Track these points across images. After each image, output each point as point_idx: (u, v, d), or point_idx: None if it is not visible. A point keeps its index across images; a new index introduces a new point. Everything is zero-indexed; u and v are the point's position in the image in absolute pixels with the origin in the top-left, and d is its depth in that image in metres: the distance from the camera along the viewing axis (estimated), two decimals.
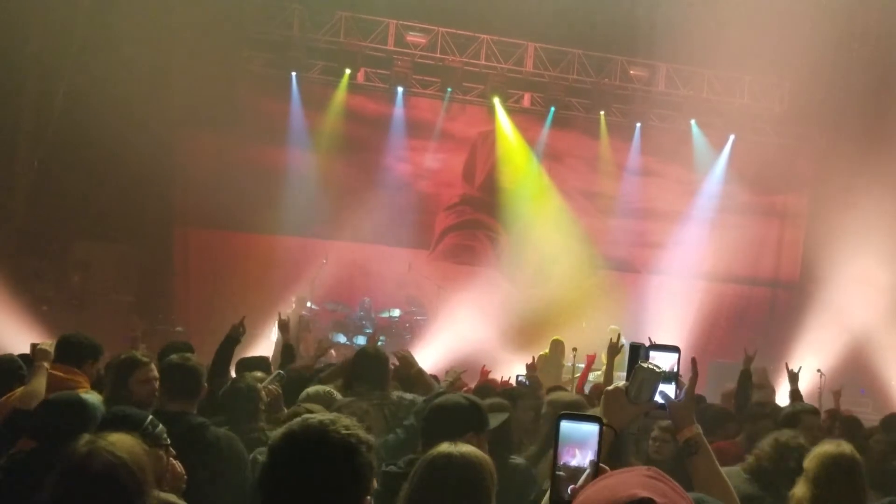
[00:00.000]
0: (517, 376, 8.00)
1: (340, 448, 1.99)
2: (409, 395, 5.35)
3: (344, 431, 2.00)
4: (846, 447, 3.49)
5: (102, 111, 11.54)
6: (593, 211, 16.12)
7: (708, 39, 13.38)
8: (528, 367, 8.11)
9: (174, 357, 4.56)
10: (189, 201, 14.05)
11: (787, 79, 15.58)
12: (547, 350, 11.45)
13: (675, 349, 2.41)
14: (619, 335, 7.69)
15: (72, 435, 2.42)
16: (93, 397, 3.86)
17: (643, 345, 2.41)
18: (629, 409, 2.38)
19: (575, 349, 11.00)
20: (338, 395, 4.94)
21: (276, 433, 2.07)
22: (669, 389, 2.42)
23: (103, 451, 2.27)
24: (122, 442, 2.34)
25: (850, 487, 3.41)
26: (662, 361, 2.39)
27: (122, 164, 12.23)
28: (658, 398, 2.40)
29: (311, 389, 4.89)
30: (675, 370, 2.42)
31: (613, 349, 7.39)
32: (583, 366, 9.86)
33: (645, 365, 2.34)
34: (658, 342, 2.45)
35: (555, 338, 11.72)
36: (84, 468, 2.25)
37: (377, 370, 5.31)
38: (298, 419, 2.06)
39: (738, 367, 11.39)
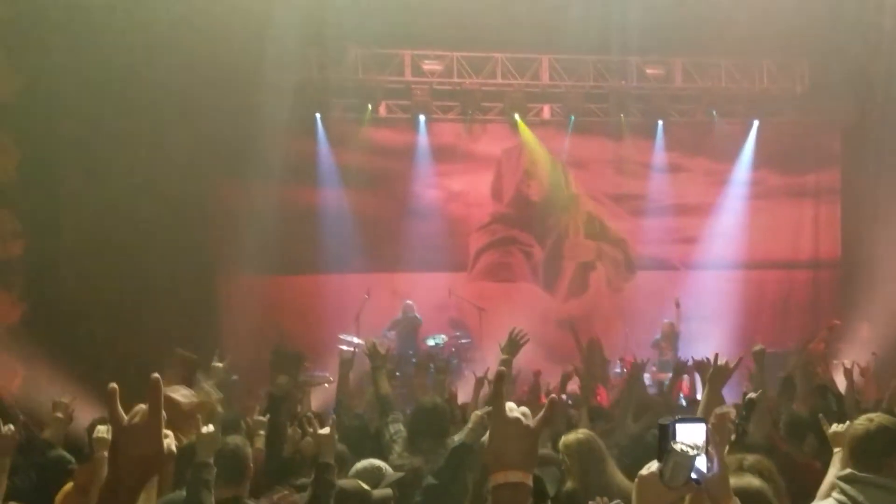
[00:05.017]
0: (561, 395, 7.85)
1: None
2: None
3: None
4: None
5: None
6: (623, 213, 16.11)
7: (719, 28, 13.40)
8: (566, 375, 8.04)
9: None
10: (225, 249, 13.90)
11: (805, 57, 15.48)
12: None
13: (701, 420, 2.39)
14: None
15: None
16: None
17: (671, 423, 2.35)
18: (665, 494, 2.29)
19: (621, 359, 10.93)
20: (387, 468, 4.83)
21: None
22: (701, 463, 2.32)
23: None
24: None
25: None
26: (690, 434, 2.34)
27: (159, 209, 12.55)
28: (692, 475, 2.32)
29: (360, 465, 4.73)
30: (705, 441, 2.35)
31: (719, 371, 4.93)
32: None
33: (678, 448, 2.27)
34: (685, 416, 2.41)
35: (591, 338, 11.31)
36: None
37: (437, 424, 5.39)
38: None
39: (785, 355, 11.19)
